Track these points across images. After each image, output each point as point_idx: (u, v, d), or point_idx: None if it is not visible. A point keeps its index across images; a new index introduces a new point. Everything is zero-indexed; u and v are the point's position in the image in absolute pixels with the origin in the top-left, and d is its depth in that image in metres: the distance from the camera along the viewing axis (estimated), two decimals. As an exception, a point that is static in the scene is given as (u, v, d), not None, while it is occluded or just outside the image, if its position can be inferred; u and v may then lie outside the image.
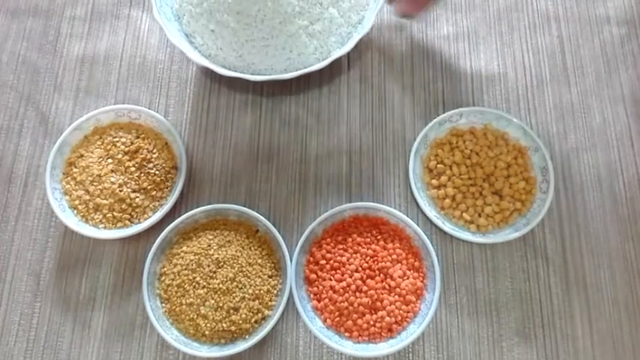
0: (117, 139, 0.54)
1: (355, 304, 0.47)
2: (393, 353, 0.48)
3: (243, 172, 0.56)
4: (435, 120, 0.54)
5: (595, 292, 0.51)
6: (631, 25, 0.61)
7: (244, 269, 0.49)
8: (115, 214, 0.51)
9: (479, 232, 0.51)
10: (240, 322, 0.47)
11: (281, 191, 0.55)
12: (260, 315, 0.48)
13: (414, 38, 0.61)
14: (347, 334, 0.47)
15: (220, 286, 0.48)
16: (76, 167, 0.53)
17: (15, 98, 0.59)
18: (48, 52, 0.61)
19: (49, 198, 0.51)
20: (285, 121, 0.58)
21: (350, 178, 0.55)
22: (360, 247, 0.49)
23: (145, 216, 0.52)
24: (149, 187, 0.52)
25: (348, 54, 0.60)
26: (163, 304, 0.49)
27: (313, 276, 0.49)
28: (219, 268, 0.49)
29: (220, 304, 0.48)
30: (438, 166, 0.53)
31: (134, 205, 0.52)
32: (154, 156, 0.53)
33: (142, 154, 0.53)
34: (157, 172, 0.53)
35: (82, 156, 0.54)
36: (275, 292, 0.49)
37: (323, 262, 0.49)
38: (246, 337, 0.48)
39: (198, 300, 0.48)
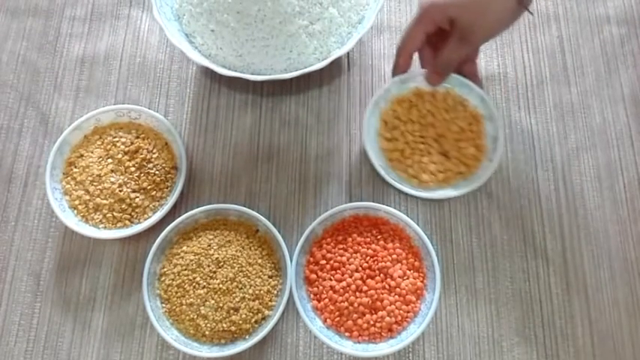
0: (117, 139, 0.54)
1: (355, 304, 0.47)
2: (393, 353, 0.48)
3: (243, 172, 0.56)
4: (398, 77, 0.55)
5: (595, 292, 0.51)
6: (631, 25, 0.61)
7: (244, 269, 0.49)
8: (115, 214, 0.51)
9: (419, 187, 0.52)
10: (240, 322, 0.47)
11: (281, 191, 0.55)
12: (260, 315, 0.48)
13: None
14: (347, 334, 0.47)
15: (220, 286, 0.48)
16: (76, 167, 0.53)
17: (15, 98, 0.59)
18: (48, 52, 0.61)
19: (49, 198, 0.51)
20: (285, 121, 0.58)
21: (350, 178, 0.55)
22: (360, 247, 0.49)
23: (145, 216, 0.52)
24: (149, 187, 0.52)
25: (348, 54, 0.60)
26: (163, 304, 0.49)
27: (313, 276, 0.49)
28: (219, 268, 0.49)
29: (220, 304, 0.48)
30: (394, 120, 0.55)
31: (134, 205, 0.52)
32: (154, 156, 0.53)
33: (141, 154, 0.53)
34: (157, 172, 0.53)
35: (82, 156, 0.54)
36: (275, 292, 0.49)
37: (323, 262, 0.49)
38: (246, 337, 0.48)
39: (199, 300, 0.48)
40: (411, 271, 0.49)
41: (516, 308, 0.51)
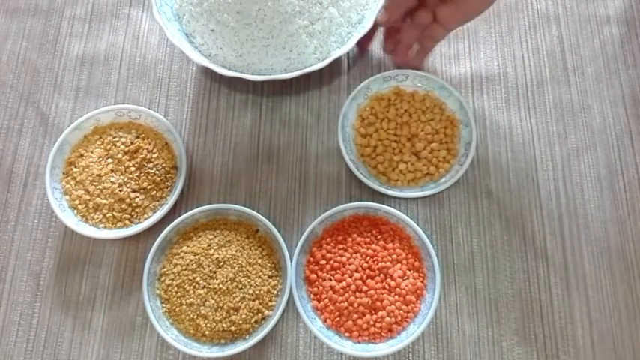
0: (117, 139, 0.54)
1: (355, 304, 0.47)
2: (393, 353, 0.48)
3: (243, 172, 0.56)
4: (381, 74, 0.56)
5: (595, 292, 0.51)
6: (631, 25, 0.61)
7: (244, 269, 0.49)
8: (115, 214, 0.51)
9: (387, 185, 0.53)
10: (240, 322, 0.47)
11: (281, 191, 0.55)
12: (260, 315, 0.48)
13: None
14: (347, 334, 0.47)
15: (220, 286, 0.48)
16: (76, 167, 0.53)
17: (15, 98, 0.59)
18: (48, 52, 0.61)
19: (49, 198, 0.51)
20: (285, 121, 0.58)
21: (350, 178, 0.55)
22: (360, 247, 0.49)
23: (145, 216, 0.52)
24: (149, 187, 0.52)
25: (348, 54, 0.60)
26: (163, 304, 0.49)
27: (313, 276, 0.49)
28: (219, 268, 0.49)
29: (220, 304, 0.48)
30: (370, 116, 0.55)
31: (134, 205, 0.52)
32: (154, 156, 0.53)
33: (141, 154, 0.53)
34: (157, 172, 0.53)
35: (82, 156, 0.54)
36: (275, 292, 0.49)
37: (323, 262, 0.49)
38: (246, 337, 0.48)
39: (198, 300, 0.48)
40: (411, 271, 0.49)
41: (516, 308, 0.51)
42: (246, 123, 0.58)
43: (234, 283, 0.48)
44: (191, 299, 0.48)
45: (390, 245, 0.50)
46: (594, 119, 0.58)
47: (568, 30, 0.61)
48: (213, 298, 0.48)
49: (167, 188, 0.53)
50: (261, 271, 0.49)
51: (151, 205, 0.52)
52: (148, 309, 0.48)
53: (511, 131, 0.57)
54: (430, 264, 0.49)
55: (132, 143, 0.54)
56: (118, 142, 0.54)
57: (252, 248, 0.50)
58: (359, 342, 0.47)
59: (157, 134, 0.55)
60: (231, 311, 0.48)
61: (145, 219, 0.51)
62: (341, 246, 0.50)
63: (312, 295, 0.49)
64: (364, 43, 0.58)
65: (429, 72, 0.57)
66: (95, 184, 0.52)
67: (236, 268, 0.49)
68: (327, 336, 0.47)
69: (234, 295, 0.48)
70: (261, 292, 0.49)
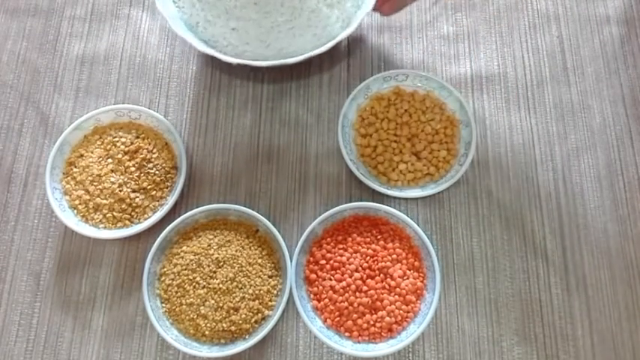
0: (117, 139, 0.54)
1: (355, 304, 0.47)
2: (393, 353, 0.48)
3: (243, 172, 0.56)
4: (381, 74, 0.56)
5: (595, 292, 0.51)
6: (631, 25, 0.61)
7: (244, 269, 0.49)
8: (115, 214, 0.51)
9: (387, 185, 0.53)
10: (240, 322, 0.47)
11: (281, 191, 0.55)
12: (260, 315, 0.48)
13: (413, 38, 0.61)
14: (347, 334, 0.47)
15: (220, 286, 0.48)
16: (76, 167, 0.53)
17: (15, 98, 0.59)
18: (48, 52, 0.61)
19: (49, 198, 0.51)
20: (285, 121, 0.58)
21: (350, 178, 0.55)
22: (360, 247, 0.49)
23: (145, 216, 0.52)
24: (149, 187, 0.52)
25: (349, 53, 0.60)
26: (163, 304, 0.49)
27: (313, 276, 0.49)
28: (219, 268, 0.49)
29: (220, 304, 0.48)
30: (370, 117, 0.55)
31: (134, 205, 0.52)
32: (154, 156, 0.53)
33: (141, 154, 0.53)
34: (157, 172, 0.53)
35: (82, 156, 0.54)
36: (275, 292, 0.49)
37: (323, 262, 0.49)
38: (246, 337, 0.48)
39: (198, 300, 0.48)
40: (411, 271, 0.49)
41: (516, 308, 0.51)
42: (246, 123, 0.58)
43: (234, 283, 0.48)
44: (191, 299, 0.48)
45: (390, 245, 0.50)
46: (594, 119, 0.58)
47: (568, 30, 0.61)
48: (213, 298, 0.48)
49: (167, 188, 0.53)
50: (261, 271, 0.49)
51: (150, 205, 0.52)
52: (148, 309, 0.48)
53: (511, 131, 0.57)
54: (430, 264, 0.49)
55: (132, 143, 0.54)
56: (118, 142, 0.54)
57: (252, 248, 0.50)
58: (359, 342, 0.47)
59: (157, 134, 0.55)
60: (231, 311, 0.48)
61: (145, 219, 0.51)
62: (341, 246, 0.50)
63: (312, 295, 0.49)
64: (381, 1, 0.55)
65: (428, 72, 0.57)
66: (95, 184, 0.52)
67: (236, 268, 0.49)
68: (327, 336, 0.47)
69: (234, 295, 0.48)
70: (261, 292, 0.49)
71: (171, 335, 0.47)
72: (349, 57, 0.60)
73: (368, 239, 0.50)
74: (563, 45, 0.61)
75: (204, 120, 0.58)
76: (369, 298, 0.47)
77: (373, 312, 0.47)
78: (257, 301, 0.48)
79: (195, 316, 0.48)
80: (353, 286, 0.48)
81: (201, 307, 0.48)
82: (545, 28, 0.62)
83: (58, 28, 0.62)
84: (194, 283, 0.48)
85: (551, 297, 0.51)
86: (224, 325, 0.47)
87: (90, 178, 0.52)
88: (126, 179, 0.52)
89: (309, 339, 0.50)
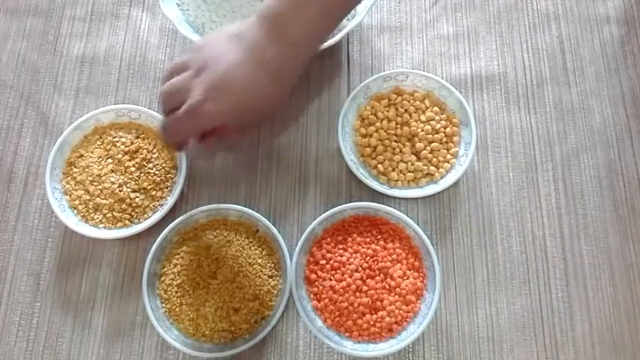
0: (117, 139, 0.54)
1: (355, 304, 0.47)
2: (393, 353, 0.48)
3: (243, 172, 0.56)
4: (381, 74, 0.56)
5: (595, 292, 0.51)
6: (631, 25, 0.61)
7: (244, 269, 0.49)
8: (115, 214, 0.51)
9: (387, 185, 0.53)
10: (240, 322, 0.47)
11: (281, 191, 0.55)
12: (260, 315, 0.48)
13: (413, 38, 0.61)
14: (347, 334, 0.47)
15: (220, 286, 0.48)
16: (76, 167, 0.53)
17: (15, 98, 0.59)
18: (48, 52, 0.61)
19: (49, 198, 0.51)
20: (286, 121, 0.58)
21: (350, 178, 0.55)
22: (360, 247, 0.49)
23: (145, 216, 0.52)
24: (149, 187, 0.52)
25: (348, 53, 0.60)
26: (163, 304, 0.49)
27: (313, 276, 0.49)
28: (219, 268, 0.49)
29: (220, 305, 0.48)
30: (370, 116, 0.55)
31: (134, 205, 0.52)
32: (154, 156, 0.53)
33: (141, 154, 0.53)
34: (157, 172, 0.53)
35: (82, 156, 0.54)
36: (275, 292, 0.49)
37: (323, 262, 0.49)
38: (246, 337, 0.48)
39: (198, 300, 0.48)
40: (411, 271, 0.49)
41: (516, 308, 0.51)
42: (246, 123, 0.58)
43: (234, 284, 0.48)
44: (191, 299, 0.48)
45: (390, 245, 0.50)
46: (594, 119, 0.58)
47: (568, 30, 0.61)
48: (213, 298, 0.48)
49: (167, 188, 0.53)
50: (261, 271, 0.49)
51: (151, 205, 0.52)
52: (148, 309, 0.48)
53: (511, 131, 0.57)
54: (430, 264, 0.49)
55: (132, 143, 0.54)
56: (118, 142, 0.54)
57: (252, 248, 0.50)
58: (359, 342, 0.47)
59: (157, 134, 0.55)
60: (231, 311, 0.48)
61: (145, 219, 0.51)
62: (341, 246, 0.50)
63: (312, 295, 0.49)
64: None
65: (428, 72, 0.57)
66: (95, 184, 0.52)
67: (236, 268, 0.49)
68: (327, 336, 0.47)
69: (234, 295, 0.48)
70: (261, 292, 0.49)
71: (171, 335, 0.47)
72: (349, 57, 0.60)
73: (368, 239, 0.50)
74: (563, 45, 0.61)
75: (204, 120, 0.58)
76: (369, 298, 0.47)
77: (373, 312, 0.47)
78: (257, 301, 0.48)
79: (195, 316, 0.48)
80: (353, 286, 0.48)
81: (201, 307, 0.48)
82: (545, 28, 0.62)
83: (58, 28, 0.62)
84: (194, 283, 0.48)
85: (551, 297, 0.51)
86: (224, 325, 0.47)
87: (90, 178, 0.52)
88: (126, 179, 0.52)
89: (309, 339, 0.50)
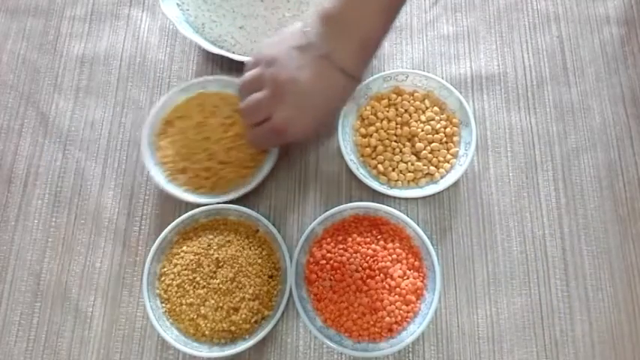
0: (216, 110, 0.54)
1: (355, 304, 0.47)
2: (393, 353, 0.48)
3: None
4: (381, 74, 0.56)
5: (595, 292, 0.51)
6: (631, 25, 0.61)
7: (244, 269, 0.49)
8: (199, 180, 0.52)
9: (387, 185, 0.53)
10: (240, 322, 0.47)
11: (281, 191, 0.55)
12: (260, 315, 0.48)
13: (413, 38, 0.61)
14: (347, 334, 0.47)
15: (220, 286, 0.48)
16: (172, 127, 0.54)
17: (15, 98, 0.59)
18: (48, 52, 0.61)
19: (143, 155, 0.52)
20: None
21: (350, 178, 0.55)
22: (360, 247, 0.49)
23: (226, 189, 0.52)
24: (236, 162, 0.52)
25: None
26: (163, 304, 0.49)
27: (313, 276, 0.49)
28: (219, 268, 0.49)
29: (220, 304, 0.48)
30: (370, 116, 0.55)
31: (219, 176, 0.52)
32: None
33: (237, 128, 0.53)
34: (247, 150, 0.53)
35: (181, 117, 0.54)
36: (275, 292, 0.49)
37: (323, 262, 0.49)
38: (246, 337, 0.48)
39: (198, 300, 0.48)
40: (411, 271, 0.49)
41: (516, 308, 0.51)
42: (246, 123, 0.58)
43: (234, 283, 0.48)
44: (191, 299, 0.48)
45: (390, 245, 0.50)
46: (594, 119, 0.58)
47: (568, 30, 0.61)
48: (213, 298, 0.48)
49: (255, 167, 0.53)
50: (261, 271, 0.49)
51: (235, 180, 0.52)
52: (148, 309, 0.48)
53: (511, 131, 0.57)
54: (430, 264, 0.49)
55: (230, 116, 0.54)
56: (217, 112, 0.54)
57: (252, 248, 0.50)
58: (359, 342, 0.47)
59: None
60: (231, 311, 0.48)
61: (225, 193, 0.52)
62: (341, 246, 0.50)
63: (312, 295, 0.49)
64: None
65: (428, 72, 0.57)
66: (187, 148, 0.52)
67: (236, 268, 0.49)
68: (327, 336, 0.47)
69: (234, 295, 0.48)
70: (261, 292, 0.49)
71: (171, 335, 0.47)
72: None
73: (368, 239, 0.50)
74: (563, 45, 0.61)
75: (205, 120, 0.58)
76: (369, 298, 0.47)
77: (373, 312, 0.47)
78: (257, 301, 0.48)
79: (195, 316, 0.48)
80: (353, 286, 0.48)
81: (202, 307, 0.48)
82: (545, 28, 0.62)
83: (58, 28, 0.62)
84: (194, 283, 0.48)
85: (551, 297, 0.51)
86: (224, 325, 0.47)
87: (184, 141, 0.53)
88: (217, 149, 0.52)
89: (309, 339, 0.50)
